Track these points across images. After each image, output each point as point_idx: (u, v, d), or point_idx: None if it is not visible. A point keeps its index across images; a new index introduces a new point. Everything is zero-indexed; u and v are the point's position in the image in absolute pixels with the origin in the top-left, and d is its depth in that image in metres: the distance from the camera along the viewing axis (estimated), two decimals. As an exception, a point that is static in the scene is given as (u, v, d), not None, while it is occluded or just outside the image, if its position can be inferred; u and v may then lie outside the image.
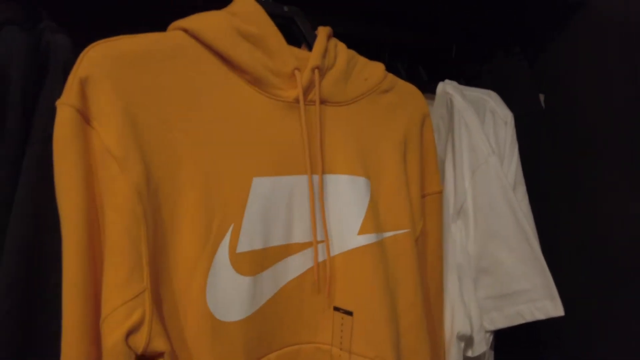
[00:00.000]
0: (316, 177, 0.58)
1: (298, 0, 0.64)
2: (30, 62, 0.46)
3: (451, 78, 0.86)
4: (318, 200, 0.58)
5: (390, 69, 0.69)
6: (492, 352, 0.80)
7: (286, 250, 0.58)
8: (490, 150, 0.71)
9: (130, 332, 0.44)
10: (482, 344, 0.73)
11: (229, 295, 0.52)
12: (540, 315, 0.73)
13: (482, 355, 0.75)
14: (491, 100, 0.77)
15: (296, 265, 0.58)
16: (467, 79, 0.90)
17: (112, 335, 0.43)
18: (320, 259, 0.59)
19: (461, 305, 0.71)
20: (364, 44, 0.74)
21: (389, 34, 0.89)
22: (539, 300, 0.72)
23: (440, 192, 0.68)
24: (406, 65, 0.91)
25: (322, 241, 0.59)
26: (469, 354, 0.73)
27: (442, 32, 0.95)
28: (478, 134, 0.72)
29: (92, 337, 0.45)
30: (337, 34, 0.63)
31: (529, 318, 0.73)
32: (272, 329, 0.57)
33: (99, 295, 0.45)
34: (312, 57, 0.58)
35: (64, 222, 0.45)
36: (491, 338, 0.76)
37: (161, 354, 0.46)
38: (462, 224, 0.73)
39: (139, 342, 0.44)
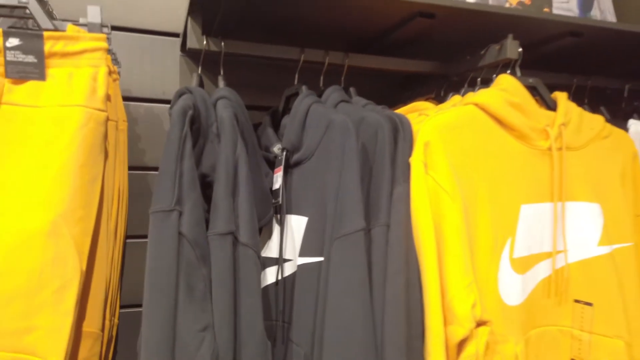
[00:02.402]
0: (560, 204, 0.79)
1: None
2: (393, 130, 0.73)
3: (626, 116, 1.04)
4: (560, 221, 0.80)
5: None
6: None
7: (540, 257, 0.80)
8: (684, 178, 0.89)
9: (472, 306, 0.68)
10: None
11: (510, 287, 0.75)
12: None
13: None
14: (679, 137, 0.94)
15: (545, 268, 0.80)
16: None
17: (463, 307, 0.68)
18: (561, 264, 0.80)
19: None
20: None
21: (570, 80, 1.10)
22: None
23: (649, 213, 0.87)
24: (586, 105, 1.09)
25: (561, 251, 0.80)
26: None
27: (616, 75, 1.13)
28: (672, 165, 0.90)
29: (442, 307, 0.69)
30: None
31: None
32: (532, 314, 0.79)
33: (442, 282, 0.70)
34: (558, 116, 0.80)
35: (422, 232, 0.70)
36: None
37: (486, 322, 0.70)
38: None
39: (477, 313, 0.68)
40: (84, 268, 0.63)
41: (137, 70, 1.02)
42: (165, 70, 1.04)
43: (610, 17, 1.26)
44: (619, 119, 1.07)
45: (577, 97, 1.11)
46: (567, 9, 1.21)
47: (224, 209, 0.68)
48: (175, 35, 1.05)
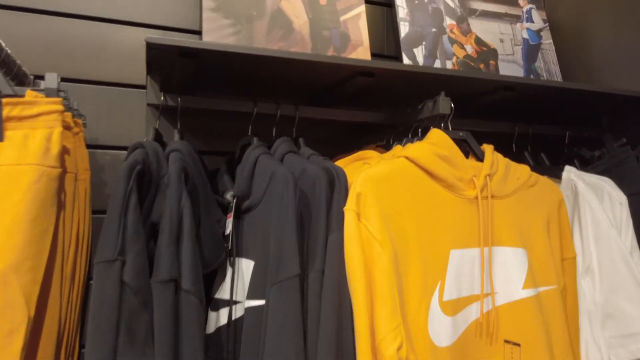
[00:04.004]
0: (487, 249, 0.85)
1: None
2: (329, 181, 0.79)
3: (567, 161, 1.11)
4: (487, 265, 0.85)
5: (518, 156, 0.96)
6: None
7: (469, 300, 0.85)
8: (610, 224, 0.95)
9: (398, 348, 0.73)
10: (611, 374, 0.94)
11: (440, 329, 0.80)
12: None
13: (611, 383, 0.96)
14: (607, 185, 1.00)
15: (476, 310, 0.85)
16: (581, 162, 1.15)
17: (389, 349, 0.72)
18: (490, 306, 0.86)
19: (593, 342, 0.93)
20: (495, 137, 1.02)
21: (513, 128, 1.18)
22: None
23: (575, 257, 0.93)
24: (530, 152, 1.17)
25: (489, 294, 0.86)
26: (601, 380, 0.94)
27: (558, 122, 1.21)
28: (599, 211, 0.96)
29: (372, 348, 0.74)
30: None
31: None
32: (465, 354, 0.83)
33: (372, 324, 0.75)
34: (484, 168, 0.87)
35: (354, 277, 0.75)
36: (617, 369, 0.97)
37: (412, 364, 0.74)
38: (589, 280, 0.96)
39: (403, 355, 0.73)
40: (32, 314, 0.68)
41: (105, 119, 1.09)
42: (132, 120, 1.11)
43: (554, 67, 1.35)
44: (560, 165, 1.14)
45: (520, 144, 1.18)
46: (512, 61, 1.31)
47: (166, 257, 0.73)
48: (142, 87, 1.12)
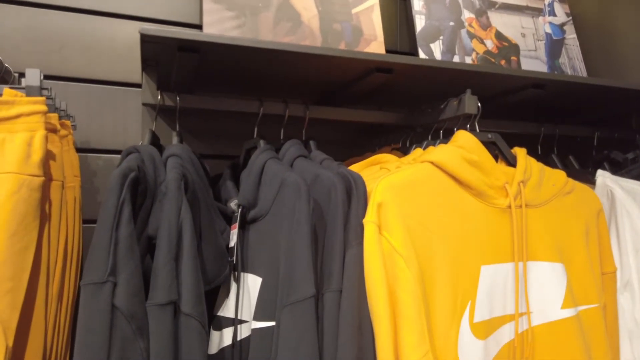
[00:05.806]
0: (522, 264, 0.77)
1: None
2: (346, 189, 0.71)
3: (597, 165, 1.03)
4: (522, 282, 0.77)
5: (544, 159, 0.87)
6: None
7: (502, 320, 0.76)
8: (651, 233, 0.87)
9: (428, 381, 0.64)
10: (654, 398, 0.86)
11: (471, 354, 0.72)
12: None
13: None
14: (647, 191, 0.92)
15: (508, 332, 0.77)
16: (612, 165, 1.06)
17: (417, 381, 0.64)
18: (525, 327, 0.77)
19: (634, 364, 0.85)
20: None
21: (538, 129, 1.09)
22: None
23: (615, 271, 0.84)
24: (557, 154, 1.08)
25: (524, 313, 0.77)
26: (643, 405, 0.85)
27: (585, 123, 1.12)
28: (638, 220, 0.88)
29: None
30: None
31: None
32: (497, 380, 0.75)
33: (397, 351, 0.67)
34: (517, 173, 0.78)
35: (375, 298, 0.67)
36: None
37: (443, 396, 0.66)
38: (628, 296, 0.88)
39: (434, 386, 0.64)
40: (10, 344, 0.60)
41: (97, 121, 1.00)
42: (126, 121, 1.02)
43: (579, 64, 1.27)
44: (589, 168, 1.06)
45: (547, 146, 1.10)
46: (535, 57, 1.22)
47: (164, 277, 0.65)
48: (138, 85, 1.04)
